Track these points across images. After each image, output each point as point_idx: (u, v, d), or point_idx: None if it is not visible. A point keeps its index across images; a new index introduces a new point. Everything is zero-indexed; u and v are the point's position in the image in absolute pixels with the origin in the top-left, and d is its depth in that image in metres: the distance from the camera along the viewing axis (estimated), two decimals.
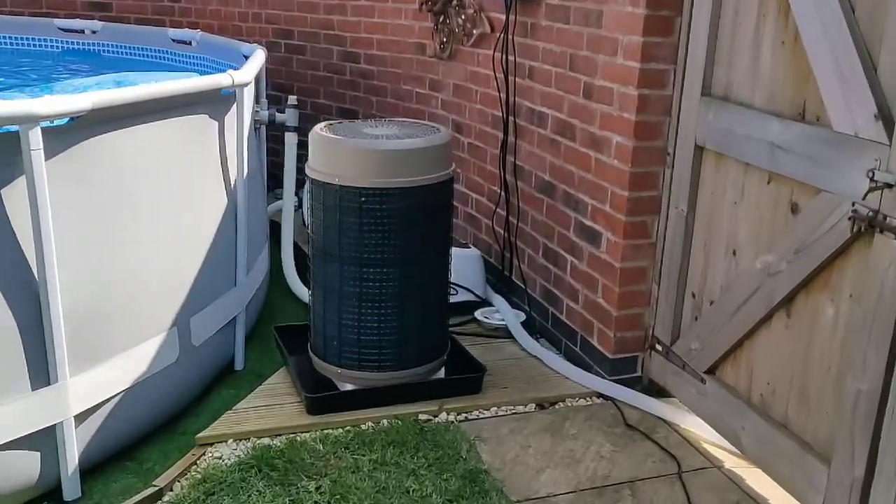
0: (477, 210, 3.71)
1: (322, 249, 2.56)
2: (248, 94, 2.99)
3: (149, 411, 2.56)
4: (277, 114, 3.43)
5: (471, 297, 3.40)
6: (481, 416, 2.66)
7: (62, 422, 2.25)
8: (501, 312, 3.30)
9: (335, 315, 2.57)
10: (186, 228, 2.67)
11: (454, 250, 3.36)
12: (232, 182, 2.94)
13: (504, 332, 3.21)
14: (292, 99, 3.45)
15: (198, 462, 2.40)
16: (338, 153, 2.46)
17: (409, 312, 2.57)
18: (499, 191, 3.43)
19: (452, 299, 3.35)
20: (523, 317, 3.28)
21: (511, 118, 3.30)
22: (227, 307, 2.93)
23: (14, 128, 2.07)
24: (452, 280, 3.35)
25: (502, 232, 3.45)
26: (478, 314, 3.31)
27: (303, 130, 4.89)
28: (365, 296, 2.52)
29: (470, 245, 3.55)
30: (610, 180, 2.69)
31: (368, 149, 2.43)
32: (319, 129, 2.56)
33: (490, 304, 3.43)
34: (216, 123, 2.82)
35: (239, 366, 3.08)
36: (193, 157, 2.72)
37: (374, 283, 2.51)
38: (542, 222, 3.15)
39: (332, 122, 2.67)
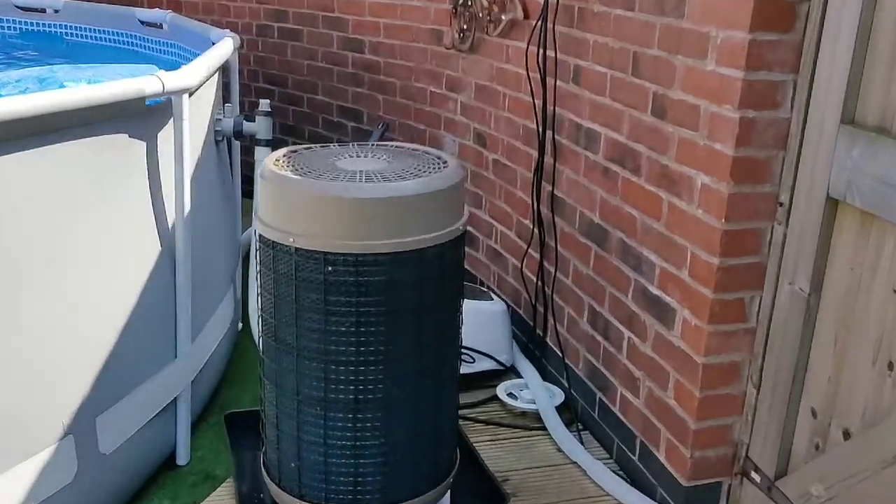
0: (503, 246, 2.91)
1: (273, 334, 1.78)
2: (193, 103, 2.21)
3: None
4: (246, 123, 2.65)
5: (493, 365, 2.62)
6: None
7: None
8: (531, 390, 2.51)
9: (291, 426, 1.80)
10: (90, 295, 1.91)
11: (472, 305, 2.58)
12: (168, 223, 2.17)
13: (535, 416, 2.43)
14: (264, 104, 2.67)
15: None
16: (294, 200, 1.68)
17: (398, 426, 1.79)
18: (531, 227, 2.63)
19: (468, 368, 2.58)
20: (560, 397, 2.49)
21: (549, 133, 2.49)
22: (161, 390, 2.17)
23: None
24: (468, 345, 2.58)
25: (535, 280, 2.65)
26: (501, 390, 2.53)
27: (298, 132, 4.13)
28: (333, 403, 1.75)
29: (492, 295, 2.75)
30: (690, 237, 1.88)
31: (338, 196, 1.64)
32: (273, 162, 1.78)
33: (517, 374, 2.65)
34: (142, 144, 2.05)
35: (182, 460, 2.33)
36: (104, 193, 1.96)
37: (347, 387, 1.73)
38: (587, 277, 2.35)
39: (294, 148, 1.89)
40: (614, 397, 2.24)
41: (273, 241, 1.71)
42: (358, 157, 1.86)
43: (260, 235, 1.74)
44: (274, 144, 2.66)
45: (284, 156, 1.84)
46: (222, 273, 2.64)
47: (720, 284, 1.81)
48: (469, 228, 3.13)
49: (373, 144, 1.96)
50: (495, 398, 2.51)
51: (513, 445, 2.31)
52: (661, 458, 2.03)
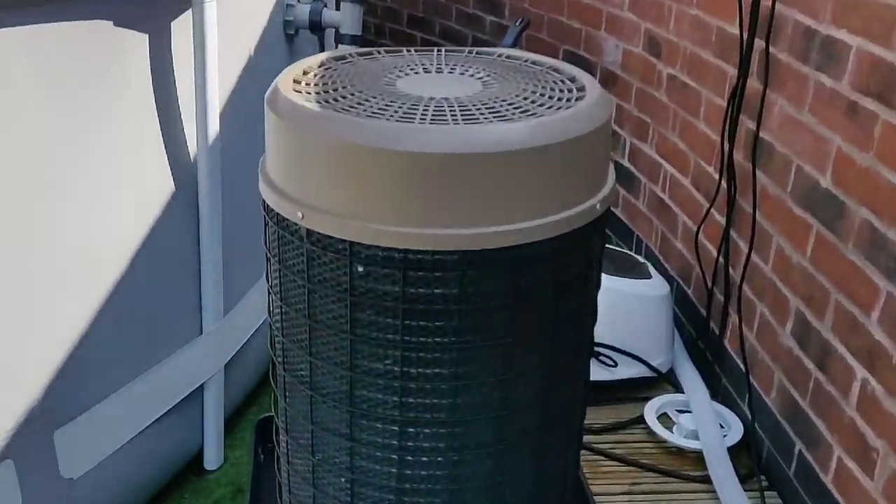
0: (673, 197, 2.12)
1: (282, 356, 1.13)
2: None
3: None
4: (326, 11, 1.95)
5: (643, 371, 1.88)
6: None
7: None
8: (695, 414, 1.76)
9: (307, 496, 1.16)
10: (53, 250, 1.32)
11: (621, 284, 1.86)
12: (189, 153, 1.55)
13: (696, 458, 1.69)
14: None
15: None
16: (307, 149, 0.98)
17: None
18: (717, 178, 1.83)
19: (606, 375, 1.86)
20: (738, 431, 1.72)
21: (758, 43, 1.65)
22: (175, 379, 1.60)
23: None
24: (610, 341, 1.86)
25: (714, 253, 1.86)
26: (651, 410, 1.79)
27: (428, 25, 3.39)
28: (365, 476, 1.08)
29: (651, 270, 1.98)
30: None
31: (377, 145, 0.93)
32: (292, 79, 1.07)
33: (676, 386, 1.89)
34: (141, 38, 1.40)
35: (211, 464, 1.78)
36: (81, 107, 1.33)
37: (387, 456, 1.06)
38: (800, 269, 1.54)
39: (341, 54, 1.18)
40: (826, 459, 1.46)
41: (277, 215, 1.03)
42: (439, 71, 1.13)
43: (263, 201, 1.07)
44: (361, 40, 1.96)
45: (321, 66, 1.13)
46: None
47: None
48: (628, 166, 2.35)
49: (473, 52, 1.22)
50: (641, 421, 1.78)
51: (659, 503, 1.59)
52: None
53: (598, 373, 1.82)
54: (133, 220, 1.46)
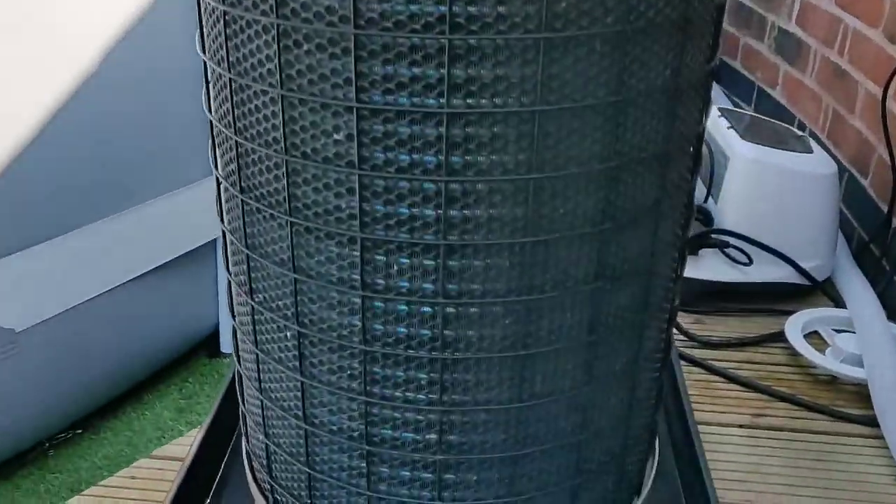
0: (852, 59, 1.60)
1: (213, 151, 0.77)
2: None
3: None
4: None
5: (789, 276, 1.39)
6: None
7: None
8: (859, 335, 1.27)
9: (249, 351, 0.80)
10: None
11: (763, 154, 1.40)
12: None
13: (856, 393, 1.22)
14: None
15: None
16: None
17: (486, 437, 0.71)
18: None
19: (737, 276, 1.40)
20: None
21: None
22: (173, 227, 1.28)
23: None
24: (745, 231, 1.40)
25: None
26: (795, 325, 1.31)
27: None
28: (313, 325, 0.71)
29: (812, 143, 1.47)
30: None
31: None
32: None
33: (835, 299, 1.41)
34: None
35: (228, 346, 1.47)
36: None
37: (343, 299, 0.68)
38: None
39: None
40: None
41: None
42: None
43: None
44: None
45: None
46: None
47: None
48: (795, 31, 1.84)
49: None
50: (780, 338, 1.31)
51: (799, 449, 1.13)
52: None
53: (724, 271, 1.37)
54: (127, 13, 1.14)
